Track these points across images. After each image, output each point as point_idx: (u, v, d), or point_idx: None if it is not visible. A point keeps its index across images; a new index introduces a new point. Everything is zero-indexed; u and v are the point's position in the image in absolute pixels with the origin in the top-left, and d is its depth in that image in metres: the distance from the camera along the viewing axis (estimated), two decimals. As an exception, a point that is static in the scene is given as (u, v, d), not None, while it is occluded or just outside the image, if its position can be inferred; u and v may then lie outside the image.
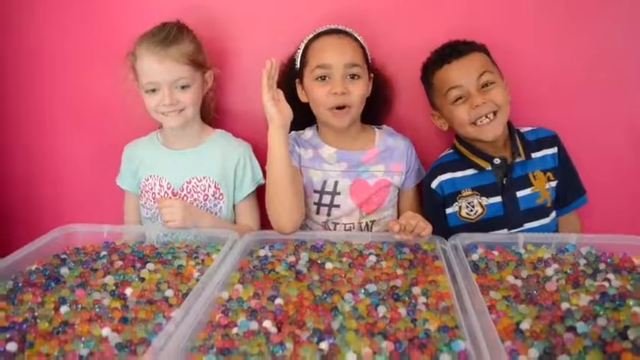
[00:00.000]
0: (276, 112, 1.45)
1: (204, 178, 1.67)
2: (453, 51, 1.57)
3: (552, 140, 1.64)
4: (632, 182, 1.80)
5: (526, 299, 1.14)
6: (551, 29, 1.72)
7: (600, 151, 1.78)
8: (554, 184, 1.63)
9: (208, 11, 1.78)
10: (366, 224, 1.67)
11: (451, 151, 1.70)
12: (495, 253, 1.38)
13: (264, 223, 1.69)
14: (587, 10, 1.71)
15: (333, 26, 1.61)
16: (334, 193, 1.64)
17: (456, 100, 1.55)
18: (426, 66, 1.65)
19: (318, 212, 1.66)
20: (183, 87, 1.58)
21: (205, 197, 1.66)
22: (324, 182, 1.64)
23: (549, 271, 1.26)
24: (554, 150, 1.63)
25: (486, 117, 1.53)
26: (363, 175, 1.65)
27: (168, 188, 1.67)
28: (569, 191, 1.66)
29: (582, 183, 1.67)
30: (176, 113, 1.59)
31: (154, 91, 1.57)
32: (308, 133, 1.70)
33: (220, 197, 1.68)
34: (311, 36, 1.61)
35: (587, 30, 1.72)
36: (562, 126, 1.69)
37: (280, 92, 1.48)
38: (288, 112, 1.48)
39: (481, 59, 1.56)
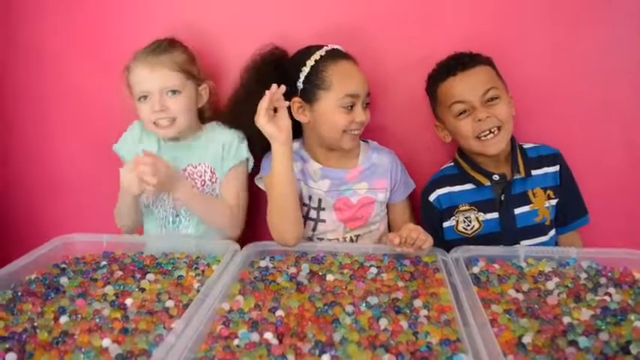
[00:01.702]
0: (276, 130, 1.43)
1: (199, 164, 1.67)
2: (458, 63, 1.56)
3: (554, 158, 1.63)
4: (630, 197, 1.80)
5: (527, 313, 1.13)
6: (551, 41, 1.73)
7: (598, 165, 1.77)
8: (554, 202, 1.62)
9: (201, 28, 1.79)
10: (351, 238, 1.66)
11: (452, 164, 1.69)
12: (496, 266, 1.37)
13: (255, 232, 1.73)
14: (589, 23, 1.71)
15: (336, 47, 1.59)
16: (319, 209, 1.64)
17: (460, 114, 1.54)
18: (431, 77, 1.65)
19: (304, 226, 1.64)
20: (173, 92, 1.57)
21: (203, 183, 1.67)
22: (310, 197, 1.64)
23: (550, 285, 1.26)
24: (555, 168, 1.62)
25: (490, 132, 1.52)
26: (345, 194, 1.63)
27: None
28: (570, 210, 1.64)
29: (584, 203, 1.66)
30: (168, 123, 1.58)
31: (145, 98, 1.57)
32: (295, 145, 1.64)
33: (216, 181, 1.68)
34: (321, 54, 1.55)
35: (589, 43, 1.72)
36: (560, 139, 1.69)
37: (285, 104, 1.46)
38: (287, 125, 1.46)
39: (487, 73, 1.56)
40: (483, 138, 1.53)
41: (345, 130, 1.54)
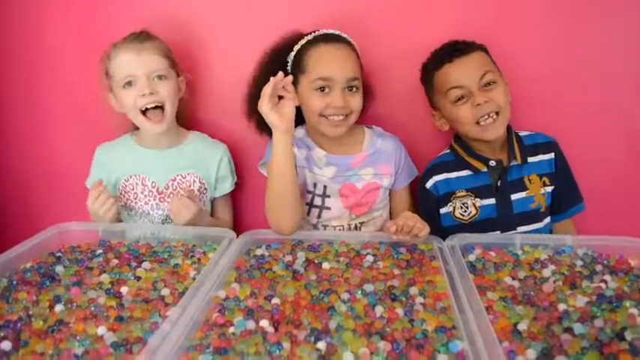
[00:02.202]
0: (278, 118, 1.42)
1: (188, 174, 1.69)
2: (454, 50, 1.56)
3: (550, 146, 1.64)
4: (627, 185, 1.81)
5: (523, 300, 1.13)
6: (550, 32, 1.72)
7: (596, 154, 1.78)
8: (549, 189, 1.62)
9: (178, 20, 1.78)
10: (355, 226, 1.66)
11: (448, 151, 1.70)
12: (492, 253, 1.37)
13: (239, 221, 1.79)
14: (587, 13, 1.71)
15: (329, 31, 1.58)
16: (324, 195, 1.64)
17: (458, 100, 1.54)
18: (426, 66, 1.65)
19: (309, 213, 1.66)
20: (159, 78, 1.58)
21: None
22: (315, 185, 1.63)
23: (546, 273, 1.26)
24: (551, 155, 1.63)
25: (489, 116, 1.52)
26: (351, 179, 1.64)
27: (153, 187, 1.67)
28: (566, 198, 1.65)
29: (580, 191, 1.67)
30: (158, 114, 1.59)
31: (130, 84, 1.56)
32: (300, 131, 1.67)
33: (205, 191, 1.72)
34: (306, 39, 1.57)
35: (588, 33, 1.72)
36: (559, 129, 1.69)
37: (292, 89, 1.47)
38: (290, 113, 1.45)
39: (482, 58, 1.56)
40: (482, 123, 1.53)
41: (321, 115, 1.54)
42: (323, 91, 1.52)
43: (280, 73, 1.41)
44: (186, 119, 1.79)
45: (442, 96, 1.58)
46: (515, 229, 1.59)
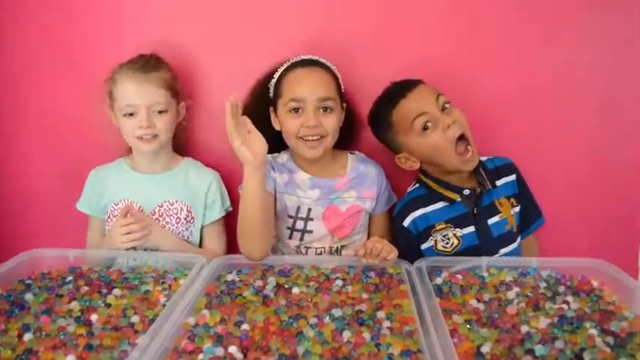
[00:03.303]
0: (250, 154, 1.38)
1: (176, 201, 1.68)
2: (402, 88, 1.59)
3: (510, 167, 1.67)
4: (590, 205, 1.86)
5: (487, 322, 1.16)
6: (508, 54, 1.77)
7: (556, 174, 1.83)
8: (517, 209, 1.66)
9: (180, 45, 1.80)
10: (337, 249, 1.69)
11: (417, 185, 1.69)
12: (459, 276, 1.40)
13: (231, 248, 1.73)
14: (542, 35, 1.76)
15: (306, 57, 1.63)
16: (307, 219, 1.65)
17: (425, 129, 1.54)
18: (377, 113, 1.66)
19: (290, 237, 1.68)
20: (160, 112, 1.61)
21: (178, 220, 1.67)
22: (298, 208, 1.65)
23: (511, 295, 1.29)
24: (512, 177, 1.66)
25: (466, 148, 1.53)
26: (335, 202, 1.66)
27: (140, 211, 1.67)
28: (528, 215, 1.68)
29: (538, 205, 1.70)
30: (150, 138, 1.61)
31: (131, 115, 1.59)
32: (284, 156, 1.70)
33: (192, 221, 1.70)
34: (285, 66, 1.62)
35: (543, 55, 1.77)
36: (521, 149, 1.75)
37: (248, 121, 1.41)
38: (261, 148, 1.41)
39: (429, 87, 1.59)
40: (465, 156, 1.54)
41: (297, 136, 1.57)
42: (297, 112, 1.56)
43: (227, 103, 1.33)
44: (183, 144, 1.81)
45: (407, 131, 1.57)
46: (498, 252, 1.60)
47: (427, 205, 1.63)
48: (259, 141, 1.42)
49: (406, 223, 1.64)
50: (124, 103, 1.59)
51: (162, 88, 1.60)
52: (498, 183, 1.64)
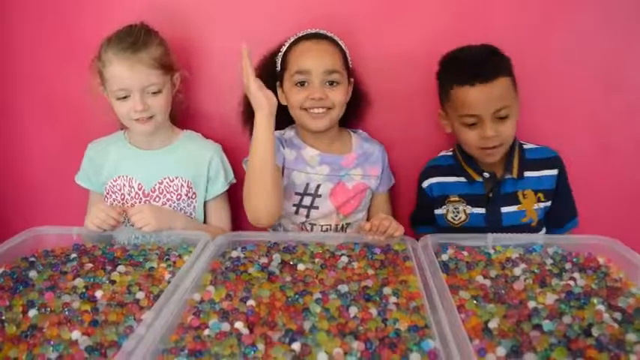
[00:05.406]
0: (265, 98, 1.41)
1: (176, 177, 1.66)
2: (479, 73, 1.48)
3: (553, 161, 1.63)
4: (595, 185, 1.84)
5: (494, 298, 1.16)
6: (516, 30, 1.74)
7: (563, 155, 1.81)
8: (543, 205, 1.62)
9: (174, 11, 1.76)
10: (342, 226, 1.68)
11: (450, 153, 1.70)
12: (465, 253, 1.40)
13: (235, 223, 1.74)
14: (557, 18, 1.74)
15: (314, 30, 1.61)
16: (315, 195, 1.65)
17: (467, 125, 1.52)
18: (447, 71, 1.58)
19: (297, 213, 1.66)
20: (154, 93, 1.56)
21: (179, 197, 1.66)
22: (307, 184, 1.64)
23: (517, 271, 1.29)
24: (554, 172, 1.62)
25: (492, 148, 1.53)
26: (343, 179, 1.66)
27: (140, 189, 1.65)
28: (561, 213, 1.65)
29: (575, 205, 1.67)
30: (146, 119, 1.58)
31: (124, 98, 1.55)
32: (289, 132, 1.69)
33: (194, 196, 1.68)
34: (292, 39, 1.61)
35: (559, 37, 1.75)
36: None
37: (259, 81, 1.44)
38: (274, 99, 1.45)
39: (505, 87, 1.50)
40: (487, 151, 1.54)
41: (302, 108, 1.56)
42: (302, 85, 1.55)
43: (243, 49, 1.40)
44: (181, 118, 1.77)
45: (454, 112, 1.55)
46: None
47: (448, 176, 1.67)
48: (271, 92, 1.45)
49: (424, 184, 1.70)
50: (116, 87, 1.54)
51: (154, 68, 1.54)
52: (529, 174, 1.61)
